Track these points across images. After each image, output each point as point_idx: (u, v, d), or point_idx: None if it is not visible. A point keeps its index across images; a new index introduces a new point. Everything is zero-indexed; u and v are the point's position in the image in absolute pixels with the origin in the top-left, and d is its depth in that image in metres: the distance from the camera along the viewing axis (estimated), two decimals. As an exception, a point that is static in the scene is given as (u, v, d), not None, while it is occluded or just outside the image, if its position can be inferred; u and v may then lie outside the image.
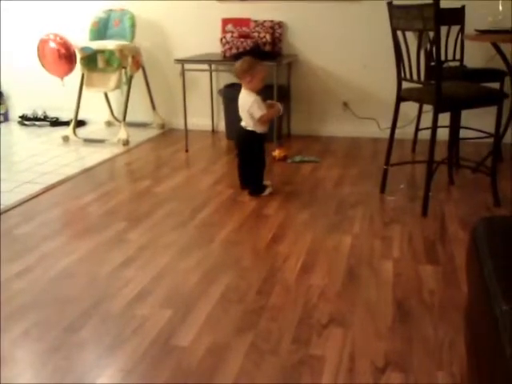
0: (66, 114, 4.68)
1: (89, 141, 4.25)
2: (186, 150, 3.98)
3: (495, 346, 0.95)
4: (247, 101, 2.91)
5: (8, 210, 2.85)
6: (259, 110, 2.88)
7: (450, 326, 1.77)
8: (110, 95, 4.66)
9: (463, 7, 3.53)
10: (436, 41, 2.50)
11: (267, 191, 3.03)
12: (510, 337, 0.92)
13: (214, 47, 4.26)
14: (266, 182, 3.08)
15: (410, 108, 3.40)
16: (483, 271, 1.16)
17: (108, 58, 4.25)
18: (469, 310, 1.35)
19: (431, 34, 2.52)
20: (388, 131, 3.01)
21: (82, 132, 4.48)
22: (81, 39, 4.36)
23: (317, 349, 1.67)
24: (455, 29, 3.52)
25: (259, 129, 2.95)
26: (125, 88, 4.32)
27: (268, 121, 2.96)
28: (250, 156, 3.01)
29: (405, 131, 3.92)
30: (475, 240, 1.31)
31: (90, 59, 4.24)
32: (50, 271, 2.19)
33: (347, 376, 1.54)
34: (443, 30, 2.90)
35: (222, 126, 4.52)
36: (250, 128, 2.96)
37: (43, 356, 1.66)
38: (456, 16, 3.51)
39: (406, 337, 1.72)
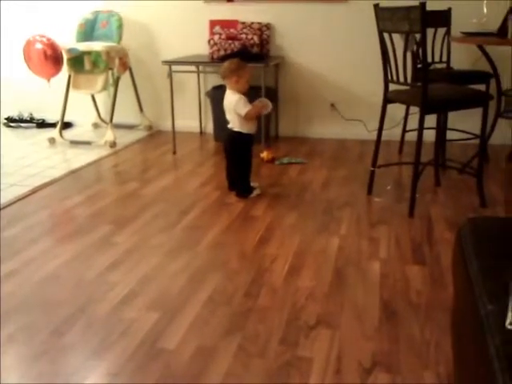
0: (53, 116, 4.65)
1: (75, 143, 4.22)
2: (174, 152, 3.97)
3: (480, 346, 0.96)
4: (232, 100, 2.91)
5: (-7, 213, 2.82)
6: (244, 107, 2.88)
7: (437, 326, 1.78)
8: (96, 97, 4.63)
9: (449, 9, 3.57)
10: (422, 43, 2.52)
11: (255, 193, 3.03)
12: (494, 336, 0.93)
13: (202, 49, 4.26)
14: (254, 184, 3.08)
15: (396, 110, 3.42)
16: (469, 271, 1.17)
17: (95, 59, 4.23)
18: (455, 309, 1.36)
19: (418, 36, 2.54)
20: (375, 133, 3.02)
21: (69, 134, 4.44)
22: (67, 41, 4.34)
23: (304, 350, 1.67)
24: (441, 31, 3.55)
25: (246, 129, 2.94)
26: (112, 89, 4.30)
27: (254, 117, 2.95)
28: (237, 157, 3.01)
29: (392, 133, 3.94)
30: (461, 240, 1.32)
31: (77, 61, 4.22)
32: (35, 274, 2.17)
33: (335, 377, 1.54)
34: (429, 32, 2.93)
35: (209, 127, 4.51)
36: (236, 129, 2.96)
37: (29, 360, 1.64)
38: (442, 18, 3.54)
39: (392, 337, 1.73)
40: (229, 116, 2.98)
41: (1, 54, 4.87)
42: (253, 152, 3.04)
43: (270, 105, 2.99)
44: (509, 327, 0.94)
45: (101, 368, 1.60)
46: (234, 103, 2.89)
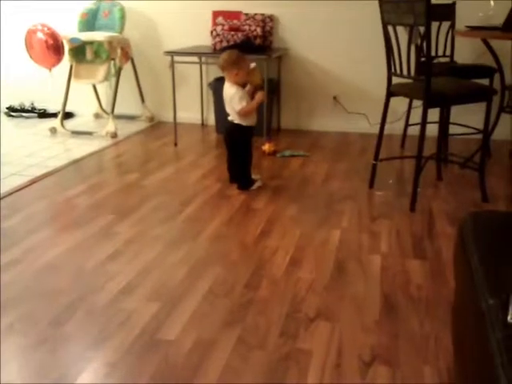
0: (54, 106, 4.63)
1: (76, 133, 4.21)
2: (175, 144, 3.96)
3: (481, 340, 0.96)
4: (230, 93, 2.89)
5: (-6, 202, 2.82)
6: (238, 104, 2.85)
7: (437, 321, 1.77)
8: (98, 87, 4.62)
9: (454, 3, 3.54)
10: (426, 36, 2.50)
11: (256, 185, 3.02)
12: (495, 330, 0.92)
13: (204, 40, 4.24)
14: (256, 176, 3.07)
15: (399, 103, 3.40)
16: (470, 266, 1.17)
17: (97, 49, 4.22)
18: (456, 304, 1.36)
19: (422, 29, 2.52)
20: (377, 126, 3.01)
21: (70, 124, 4.43)
22: (69, 30, 4.32)
23: (304, 343, 1.66)
24: (446, 24, 3.53)
25: (246, 121, 2.93)
26: (113, 80, 4.29)
27: (249, 113, 2.91)
28: (237, 150, 3.00)
29: (394, 126, 3.93)
30: (462, 235, 1.31)
31: (79, 50, 4.20)
32: (35, 264, 2.17)
33: (334, 370, 1.54)
34: (434, 25, 2.91)
35: (211, 119, 4.50)
36: (236, 121, 2.94)
37: (28, 350, 1.64)
38: (447, 12, 3.52)
39: (392, 331, 1.72)
40: (228, 108, 2.96)
41: (2, 44, 4.85)
42: (253, 144, 3.03)
43: (255, 66, 2.92)
44: (510, 321, 0.93)
45: (99, 358, 1.60)
46: (230, 97, 2.87)
